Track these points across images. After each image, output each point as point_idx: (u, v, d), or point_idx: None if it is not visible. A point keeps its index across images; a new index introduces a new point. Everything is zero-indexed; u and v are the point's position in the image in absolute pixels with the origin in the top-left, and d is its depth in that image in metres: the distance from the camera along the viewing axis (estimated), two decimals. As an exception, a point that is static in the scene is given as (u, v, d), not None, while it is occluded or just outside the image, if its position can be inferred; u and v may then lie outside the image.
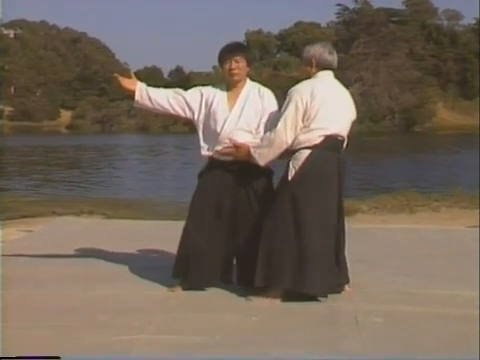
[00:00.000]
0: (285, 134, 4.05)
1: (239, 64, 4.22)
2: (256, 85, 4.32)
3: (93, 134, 56.94)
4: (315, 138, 4.03)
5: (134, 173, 23.48)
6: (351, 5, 70.52)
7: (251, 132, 4.21)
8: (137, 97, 4.27)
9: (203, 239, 4.20)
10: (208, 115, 4.27)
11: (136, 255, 5.39)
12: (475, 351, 3.16)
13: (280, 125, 4.06)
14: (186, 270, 4.24)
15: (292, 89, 4.13)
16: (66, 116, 72.27)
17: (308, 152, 4.03)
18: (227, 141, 4.19)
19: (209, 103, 4.27)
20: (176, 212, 8.07)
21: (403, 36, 65.22)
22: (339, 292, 4.14)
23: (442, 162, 24.22)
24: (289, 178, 4.04)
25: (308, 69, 4.19)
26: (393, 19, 68.38)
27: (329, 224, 4.04)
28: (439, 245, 5.93)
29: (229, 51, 4.26)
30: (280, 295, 4.04)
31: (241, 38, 67.08)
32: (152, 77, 76.12)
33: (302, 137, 4.05)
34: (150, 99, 4.28)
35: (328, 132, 4.04)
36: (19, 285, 4.34)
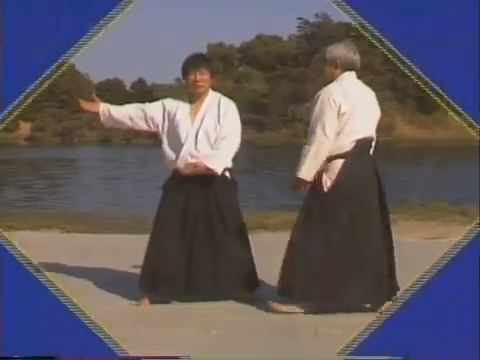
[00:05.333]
0: (327, 139, 3.81)
1: (203, 76, 4.26)
2: (217, 95, 4.34)
3: (51, 147, 55.93)
4: (347, 144, 3.85)
5: (93, 186, 23.19)
6: (312, 19, 71.50)
7: (211, 143, 4.22)
8: (102, 119, 4.35)
9: (170, 251, 4.20)
10: (171, 127, 4.29)
11: (96, 270, 5.33)
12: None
13: (319, 131, 3.82)
14: (155, 283, 4.23)
15: (321, 92, 3.91)
16: (25, 128, 71.01)
17: (341, 162, 3.84)
18: (188, 156, 4.19)
19: (171, 115, 4.29)
20: (135, 225, 7.99)
21: (362, 50, 66.19)
22: (379, 306, 3.95)
23: (400, 174, 24.58)
24: (325, 190, 3.85)
25: (332, 70, 4.00)
26: (353, 34, 69.43)
27: (369, 233, 3.89)
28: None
29: (193, 63, 4.28)
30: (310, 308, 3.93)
31: (203, 50, 67.18)
32: (114, 89, 75.43)
33: (334, 144, 3.84)
34: (113, 118, 4.35)
35: (360, 136, 3.88)
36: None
